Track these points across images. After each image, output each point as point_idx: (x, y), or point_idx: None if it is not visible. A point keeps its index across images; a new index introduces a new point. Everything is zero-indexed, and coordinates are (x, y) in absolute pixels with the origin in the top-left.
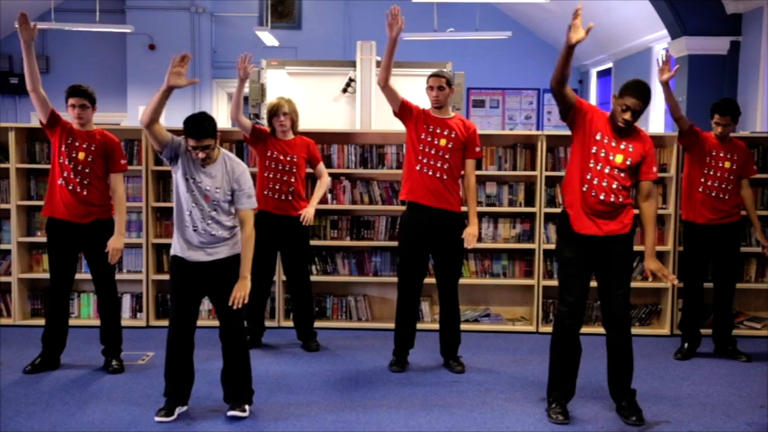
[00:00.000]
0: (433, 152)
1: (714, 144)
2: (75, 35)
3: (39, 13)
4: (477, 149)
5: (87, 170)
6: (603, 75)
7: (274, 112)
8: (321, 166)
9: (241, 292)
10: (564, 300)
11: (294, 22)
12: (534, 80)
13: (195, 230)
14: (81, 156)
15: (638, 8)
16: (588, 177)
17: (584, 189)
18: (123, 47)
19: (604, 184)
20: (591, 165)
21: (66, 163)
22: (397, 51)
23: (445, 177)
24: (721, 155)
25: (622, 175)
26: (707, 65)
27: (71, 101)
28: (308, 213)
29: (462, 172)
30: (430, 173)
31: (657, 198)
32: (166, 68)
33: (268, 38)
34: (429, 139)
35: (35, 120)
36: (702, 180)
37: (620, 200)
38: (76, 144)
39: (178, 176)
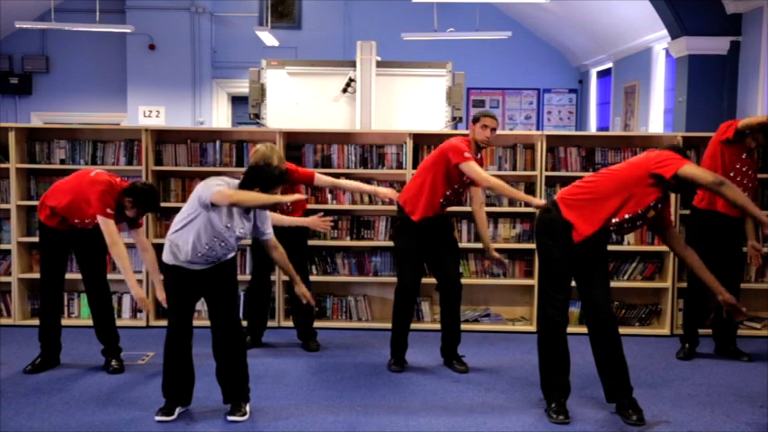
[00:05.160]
0: (460, 189)
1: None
2: (75, 35)
3: (39, 13)
4: None
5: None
6: (603, 75)
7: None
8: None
9: (308, 293)
10: (554, 299)
11: (294, 22)
12: (534, 80)
13: (207, 256)
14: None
15: (638, 8)
16: None
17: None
18: (123, 47)
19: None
20: None
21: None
22: (398, 52)
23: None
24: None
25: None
26: (707, 65)
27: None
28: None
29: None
30: (445, 202)
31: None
32: (166, 68)
33: (268, 38)
34: (465, 183)
35: (35, 120)
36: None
37: None
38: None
39: (212, 218)
